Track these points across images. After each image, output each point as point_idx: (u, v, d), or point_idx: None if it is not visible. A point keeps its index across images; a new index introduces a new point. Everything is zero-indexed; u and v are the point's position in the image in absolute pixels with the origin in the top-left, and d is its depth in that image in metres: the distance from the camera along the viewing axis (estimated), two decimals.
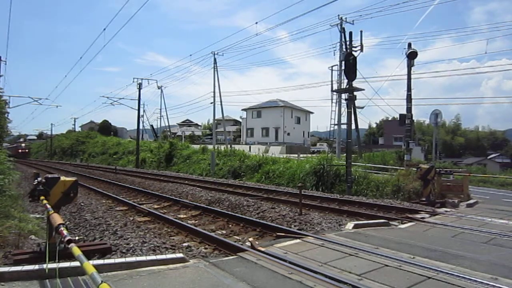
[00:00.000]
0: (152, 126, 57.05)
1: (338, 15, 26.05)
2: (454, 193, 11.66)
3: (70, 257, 3.98)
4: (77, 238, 4.79)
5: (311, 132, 67.01)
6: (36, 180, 4.53)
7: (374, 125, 78.45)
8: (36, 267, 3.95)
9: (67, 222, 7.19)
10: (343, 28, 25.74)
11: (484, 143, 68.18)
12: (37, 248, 4.67)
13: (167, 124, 52.74)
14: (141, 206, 9.68)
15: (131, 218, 8.34)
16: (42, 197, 4.39)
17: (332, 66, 28.45)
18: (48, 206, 4.09)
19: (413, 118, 17.41)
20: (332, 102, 28.09)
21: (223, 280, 3.95)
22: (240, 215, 8.31)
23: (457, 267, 4.43)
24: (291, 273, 4.15)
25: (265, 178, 17.61)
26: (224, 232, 7.27)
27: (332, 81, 28.32)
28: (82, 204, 9.76)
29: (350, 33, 14.92)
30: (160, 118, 58.99)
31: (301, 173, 15.55)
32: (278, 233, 6.43)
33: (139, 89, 33.55)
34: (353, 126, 20.99)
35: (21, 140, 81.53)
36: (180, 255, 4.74)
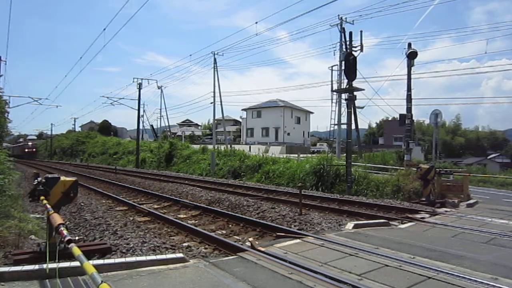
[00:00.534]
0: (152, 126, 57.11)
1: (338, 15, 26.09)
2: (454, 193, 11.67)
3: (70, 257, 3.98)
4: (77, 238, 4.80)
5: (311, 132, 67.10)
6: (36, 180, 4.54)
7: (374, 125, 78.51)
8: (36, 267, 3.95)
9: (67, 222, 7.18)
10: (343, 28, 25.76)
11: (484, 143, 68.14)
12: (37, 248, 4.67)
13: (167, 124, 52.82)
14: (141, 206, 9.68)
15: (131, 218, 8.34)
16: (42, 197, 4.40)
17: (332, 66, 28.49)
18: (48, 206, 4.09)
19: (413, 118, 17.45)
20: (332, 102, 28.11)
21: (223, 280, 3.95)
22: (240, 215, 8.31)
23: (457, 267, 4.43)
24: (291, 273, 4.15)
25: (265, 178, 17.61)
26: (224, 232, 7.27)
27: (332, 81, 28.36)
28: (82, 204, 9.76)
29: (350, 33, 14.94)
30: (160, 118, 59.05)
31: (301, 173, 15.54)
32: (278, 233, 6.43)
33: (139, 89, 33.58)
34: (353, 126, 21.01)
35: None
36: (180, 255, 4.74)
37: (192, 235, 6.65)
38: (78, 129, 74.13)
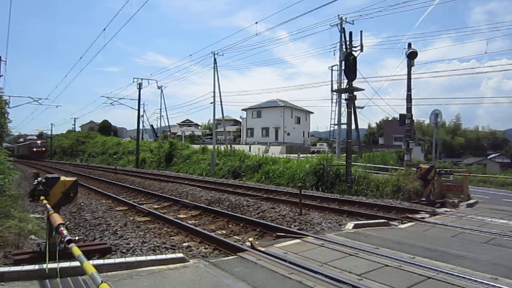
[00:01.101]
0: (152, 126, 57.06)
1: (338, 15, 26.08)
2: (454, 193, 11.66)
3: (70, 257, 3.97)
4: (77, 238, 4.81)
5: (311, 132, 67.10)
6: (36, 180, 4.54)
7: (374, 125, 78.52)
8: (36, 267, 3.95)
9: (67, 222, 7.18)
10: (343, 28, 25.75)
11: (484, 143, 68.17)
12: (37, 248, 4.67)
13: (167, 124, 52.79)
14: (141, 206, 9.68)
15: (131, 218, 8.34)
16: (42, 197, 4.40)
17: (332, 66, 28.47)
18: (48, 206, 4.09)
19: (413, 118, 17.40)
20: (332, 102, 28.12)
21: (223, 280, 3.95)
22: (240, 215, 8.31)
23: (457, 267, 4.43)
24: (291, 273, 4.15)
25: (265, 178, 17.61)
26: (224, 232, 7.27)
27: (332, 81, 28.34)
28: (82, 204, 9.76)
29: (350, 33, 14.94)
30: (160, 118, 59.03)
31: (301, 173, 15.55)
32: (278, 233, 6.43)
33: (139, 89, 33.56)
34: (353, 126, 21.02)
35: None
36: (180, 255, 4.74)
37: (192, 235, 6.65)
38: (78, 129, 74.15)
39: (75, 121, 77.65)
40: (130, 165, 34.81)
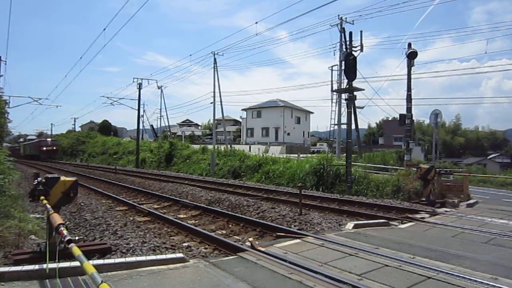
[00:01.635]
0: (152, 126, 57.02)
1: (338, 15, 26.06)
2: (454, 193, 11.67)
3: (70, 257, 3.97)
4: (77, 238, 4.81)
5: (311, 132, 67.08)
6: (36, 180, 4.54)
7: (374, 125, 78.47)
8: (36, 267, 3.95)
9: (67, 222, 7.19)
10: (343, 28, 25.74)
11: (484, 143, 68.19)
12: (37, 248, 4.67)
13: (167, 124, 52.78)
14: (141, 206, 9.68)
15: (131, 218, 8.34)
16: (42, 197, 4.40)
17: (332, 66, 28.46)
18: (48, 206, 4.09)
19: (413, 118, 17.41)
20: (332, 102, 28.11)
21: (223, 280, 3.95)
22: (240, 215, 8.31)
23: (457, 267, 4.43)
24: (291, 273, 4.15)
25: (265, 178, 17.61)
26: (224, 232, 7.27)
27: (332, 81, 28.34)
28: (82, 204, 9.75)
29: (350, 33, 14.94)
30: (160, 118, 58.97)
31: (301, 173, 15.54)
32: (278, 233, 6.44)
33: (139, 89, 33.54)
34: (353, 126, 21.02)
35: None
36: (180, 255, 4.74)
37: (192, 235, 6.65)
38: (78, 129, 74.04)
39: (75, 121, 77.50)
40: (130, 165, 34.81)
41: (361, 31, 18.66)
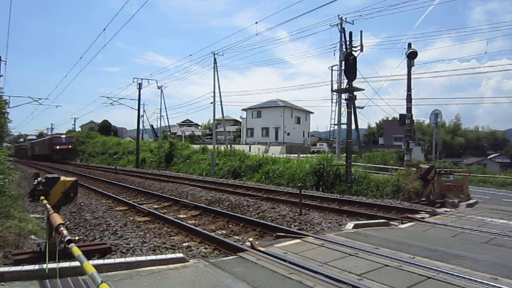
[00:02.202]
0: (152, 126, 57.02)
1: (338, 15, 26.06)
2: (454, 193, 11.67)
3: (70, 257, 3.98)
4: (77, 238, 4.80)
5: (311, 132, 67.08)
6: (36, 180, 4.53)
7: (374, 125, 78.48)
8: (36, 267, 3.95)
9: (67, 222, 7.19)
10: (343, 28, 25.74)
11: (484, 143, 68.22)
12: (37, 248, 4.67)
13: (167, 124, 52.79)
14: (141, 206, 9.68)
15: (131, 218, 8.34)
16: (42, 197, 4.40)
17: (332, 66, 28.47)
18: (48, 206, 4.09)
19: (413, 118, 17.39)
20: (332, 102, 28.13)
21: (223, 280, 3.95)
22: (240, 215, 8.31)
23: (457, 267, 4.43)
24: (291, 273, 4.15)
25: (265, 178, 17.61)
26: (224, 232, 7.27)
27: (332, 81, 28.35)
28: (82, 204, 9.75)
29: (350, 33, 14.94)
30: (160, 118, 58.95)
31: (301, 173, 15.55)
32: (278, 233, 6.43)
33: (139, 89, 33.55)
34: (353, 126, 21.02)
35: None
36: (180, 255, 4.74)
37: (192, 235, 6.65)
38: (78, 129, 73.99)
39: (75, 121, 77.42)
40: (130, 165, 34.81)
41: (361, 31, 18.70)
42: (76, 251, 2.49)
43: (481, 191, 17.86)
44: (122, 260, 4.43)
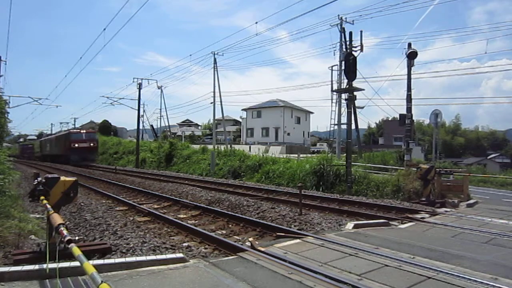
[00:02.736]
0: (152, 126, 56.96)
1: (338, 15, 26.02)
2: (454, 193, 11.67)
3: (70, 257, 3.97)
4: (77, 238, 4.80)
5: (311, 132, 67.06)
6: (36, 180, 4.54)
7: (374, 125, 78.52)
8: (36, 267, 3.95)
9: (67, 222, 7.18)
10: (343, 28, 25.71)
11: (484, 143, 68.23)
12: (37, 248, 4.67)
13: (167, 124, 52.75)
14: (141, 206, 9.68)
15: (131, 218, 8.34)
16: (42, 197, 4.40)
17: (332, 66, 28.37)
18: (48, 206, 4.09)
19: (413, 118, 17.39)
20: (332, 102, 27.98)
21: (223, 280, 3.95)
22: (240, 215, 8.31)
23: (457, 267, 4.43)
24: (291, 273, 4.15)
25: (265, 178, 17.60)
26: (224, 232, 7.27)
27: (332, 81, 28.25)
28: (82, 204, 9.75)
29: (350, 33, 14.95)
30: (160, 118, 58.81)
31: (301, 173, 15.54)
32: (278, 233, 6.44)
33: (139, 89, 33.54)
34: (353, 126, 21.01)
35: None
36: (180, 255, 4.74)
37: (192, 235, 6.65)
38: None
39: (75, 121, 77.24)
40: (130, 165, 34.81)
41: (361, 31, 18.68)
42: (76, 251, 2.49)
43: (481, 191, 17.87)
44: (122, 260, 4.43)
